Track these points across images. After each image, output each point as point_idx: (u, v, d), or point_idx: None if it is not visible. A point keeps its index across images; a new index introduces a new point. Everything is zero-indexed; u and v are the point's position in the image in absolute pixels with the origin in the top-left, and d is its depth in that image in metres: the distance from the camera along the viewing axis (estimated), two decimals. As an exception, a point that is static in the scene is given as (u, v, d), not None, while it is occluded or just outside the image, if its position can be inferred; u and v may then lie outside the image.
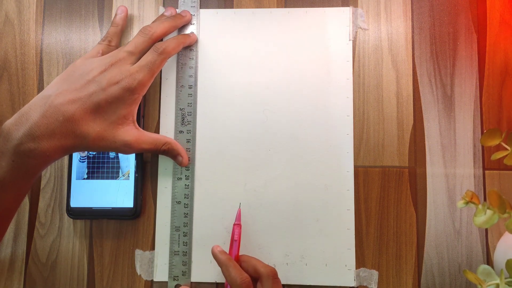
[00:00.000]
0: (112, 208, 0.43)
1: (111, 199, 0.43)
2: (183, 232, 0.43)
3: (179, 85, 0.45)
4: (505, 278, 0.32)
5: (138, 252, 0.44)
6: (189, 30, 0.45)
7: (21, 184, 0.36)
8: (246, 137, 0.44)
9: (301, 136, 0.44)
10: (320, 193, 0.43)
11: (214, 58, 0.45)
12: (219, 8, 0.46)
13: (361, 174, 0.43)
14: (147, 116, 0.45)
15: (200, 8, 0.46)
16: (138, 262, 0.43)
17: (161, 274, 0.43)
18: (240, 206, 0.43)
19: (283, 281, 0.42)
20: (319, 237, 0.42)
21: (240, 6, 0.46)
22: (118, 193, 0.43)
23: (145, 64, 0.40)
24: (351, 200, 0.43)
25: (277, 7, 0.46)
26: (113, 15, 0.47)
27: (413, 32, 0.45)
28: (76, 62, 0.40)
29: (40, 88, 0.46)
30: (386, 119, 0.44)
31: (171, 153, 0.42)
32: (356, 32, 0.45)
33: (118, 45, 0.44)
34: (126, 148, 0.39)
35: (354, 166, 0.43)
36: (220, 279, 0.43)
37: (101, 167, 0.43)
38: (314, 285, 0.42)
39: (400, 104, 0.44)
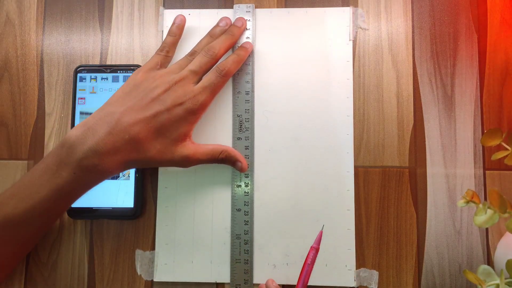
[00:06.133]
0: (113, 208, 0.43)
1: (111, 199, 0.43)
2: (244, 240, 0.42)
3: (235, 92, 0.44)
4: (505, 278, 0.32)
5: (138, 252, 0.44)
6: (244, 35, 0.45)
7: (77, 194, 0.38)
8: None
9: (300, 136, 0.44)
10: (320, 194, 0.43)
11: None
12: (219, 8, 0.46)
13: (361, 174, 0.43)
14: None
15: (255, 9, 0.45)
16: (138, 262, 0.43)
17: (161, 274, 0.43)
18: (323, 228, 0.41)
19: (283, 281, 0.42)
20: (319, 237, 0.42)
21: (240, 6, 0.46)
22: (118, 193, 0.43)
23: (208, 86, 0.40)
24: (351, 200, 0.43)
25: (277, 7, 0.46)
26: (113, 16, 0.47)
27: (413, 32, 0.45)
28: (137, 75, 0.40)
29: (41, 88, 0.46)
30: (386, 119, 0.44)
31: (230, 160, 0.42)
32: (356, 32, 0.45)
33: (173, 55, 0.43)
34: (185, 162, 0.40)
35: (354, 166, 0.43)
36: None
37: (101, 167, 0.43)
38: (314, 285, 0.42)
39: (400, 104, 0.44)
